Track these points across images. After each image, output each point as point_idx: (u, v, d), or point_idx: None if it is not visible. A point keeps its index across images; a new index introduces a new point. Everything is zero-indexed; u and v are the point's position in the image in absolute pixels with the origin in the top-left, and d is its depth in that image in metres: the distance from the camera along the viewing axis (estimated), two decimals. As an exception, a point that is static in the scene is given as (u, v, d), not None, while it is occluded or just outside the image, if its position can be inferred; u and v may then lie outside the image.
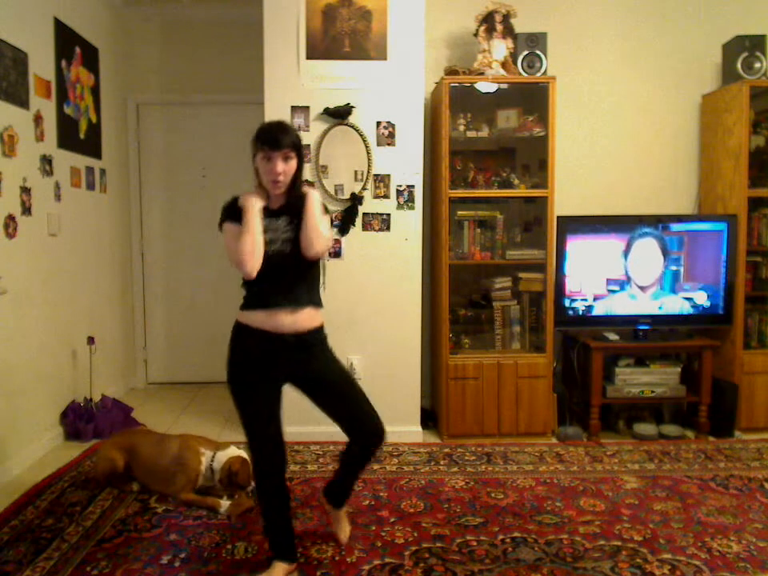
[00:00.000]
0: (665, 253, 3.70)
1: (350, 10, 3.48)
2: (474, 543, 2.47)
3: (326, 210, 2.32)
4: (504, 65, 3.63)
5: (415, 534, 2.54)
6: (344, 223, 3.55)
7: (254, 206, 2.13)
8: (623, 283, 3.71)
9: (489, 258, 3.72)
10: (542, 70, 3.62)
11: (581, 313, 3.72)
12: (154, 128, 4.79)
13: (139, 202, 4.82)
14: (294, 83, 3.51)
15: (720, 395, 3.70)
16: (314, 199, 2.20)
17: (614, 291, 3.72)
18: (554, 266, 3.67)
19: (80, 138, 3.93)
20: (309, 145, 3.48)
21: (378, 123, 3.54)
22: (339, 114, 3.50)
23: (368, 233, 3.57)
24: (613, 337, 3.74)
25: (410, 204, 3.58)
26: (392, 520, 2.66)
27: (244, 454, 2.81)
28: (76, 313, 3.88)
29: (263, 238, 2.14)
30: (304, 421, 3.51)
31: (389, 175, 3.56)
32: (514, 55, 3.64)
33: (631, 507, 2.78)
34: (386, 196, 3.57)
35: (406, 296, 3.60)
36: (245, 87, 4.36)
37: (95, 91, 4.16)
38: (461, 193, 3.66)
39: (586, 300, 3.71)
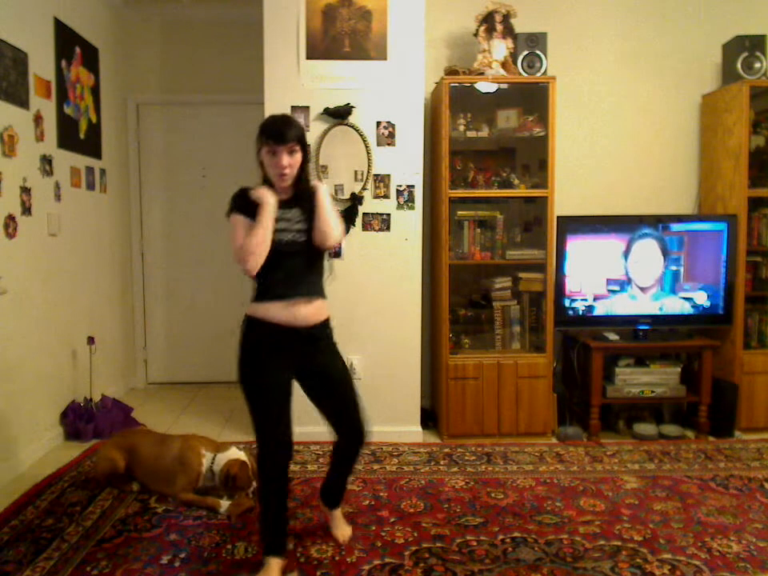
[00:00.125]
0: (665, 254, 3.70)
1: (350, 10, 3.48)
2: (474, 543, 2.47)
3: None
4: (504, 65, 3.63)
5: (415, 534, 2.54)
6: (344, 223, 3.55)
7: (270, 203, 2.13)
8: (623, 283, 3.71)
9: (489, 258, 3.72)
10: (542, 70, 3.62)
11: (581, 313, 3.72)
12: (154, 128, 4.79)
13: (139, 202, 4.82)
14: (294, 83, 3.51)
15: (720, 395, 3.70)
16: (324, 192, 2.23)
17: (614, 291, 3.72)
18: (553, 266, 3.67)
19: (80, 138, 3.93)
20: (309, 145, 3.47)
21: (378, 123, 3.54)
22: (339, 114, 3.50)
23: (368, 233, 3.57)
24: (613, 337, 3.74)
25: (409, 204, 3.58)
26: (392, 520, 2.66)
27: (244, 456, 2.81)
28: (76, 313, 3.88)
29: (275, 227, 2.14)
30: (304, 421, 3.51)
31: (389, 175, 3.56)
32: (513, 55, 3.64)
33: (631, 507, 2.78)
34: (386, 196, 3.57)
35: (406, 296, 3.60)
36: (245, 87, 4.36)
37: (95, 91, 4.16)
38: (461, 193, 3.66)
39: (586, 300, 3.71)
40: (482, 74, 3.60)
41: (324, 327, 2.31)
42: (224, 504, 2.75)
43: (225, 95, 4.66)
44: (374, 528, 2.59)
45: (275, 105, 3.49)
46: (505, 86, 3.65)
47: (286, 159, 2.14)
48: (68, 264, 3.77)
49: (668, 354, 3.79)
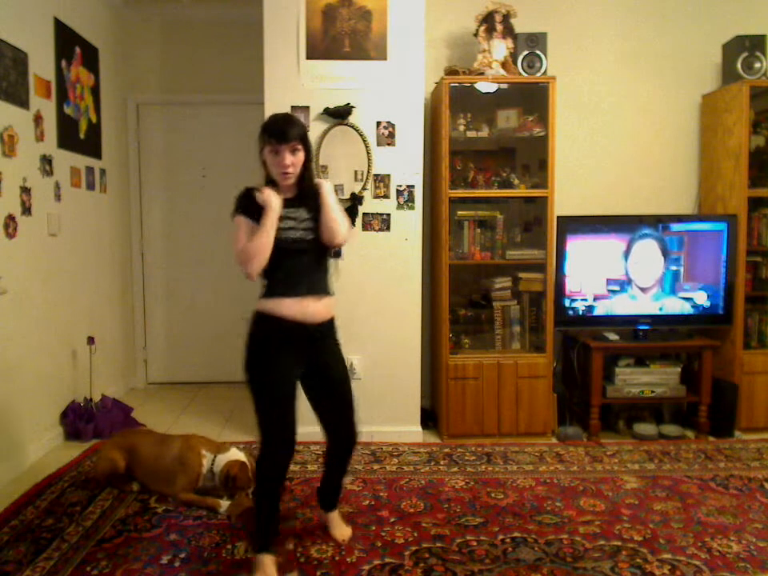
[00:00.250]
0: (665, 254, 3.70)
1: (350, 10, 3.48)
2: (474, 543, 2.47)
3: None
4: (504, 65, 3.63)
5: (415, 534, 2.54)
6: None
7: (274, 208, 2.14)
8: (623, 283, 3.71)
9: (489, 258, 3.72)
10: (542, 70, 3.62)
11: (581, 313, 3.72)
12: (154, 128, 4.79)
13: (139, 202, 4.82)
14: (294, 83, 3.51)
15: (720, 395, 3.70)
16: (329, 189, 2.25)
17: (614, 291, 3.72)
18: (553, 266, 3.67)
19: (80, 138, 3.93)
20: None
21: (378, 123, 3.54)
22: (339, 114, 3.50)
23: (368, 233, 3.56)
24: (613, 337, 3.74)
25: (410, 204, 3.58)
26: (392, 520, 2.66)
27: (244, 456, 2.81)
28: (76, 313, 3.88)
29: (282, 225, 2.16)
30: (304, 421, 3.51)
31: (389, 175, 3.56)
32: (513, 55, 3.64)
33: (631, 507, 2.78)
34: (386, 196, 3.57)
35: (406, 296, 3.60)
36: (245, 87, 4.36)
37: (95, 91, 4.16)
38: (461, 193, 3.66)
39: (585, 300, 3.71)
40: (482, 74, 3.60)
41: (331, 326, 2.33)
42: (224, 504, 2.75)
43: (225, 95, 4.66)
44: (373, 528, 2.59)
45: (275, 105, 3.49)
46: (505, 86, 3.65)
47: (288, 158, 2.15)
48: (68, 264, 3.77)
49: (668, 353, 3.79)
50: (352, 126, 3.52)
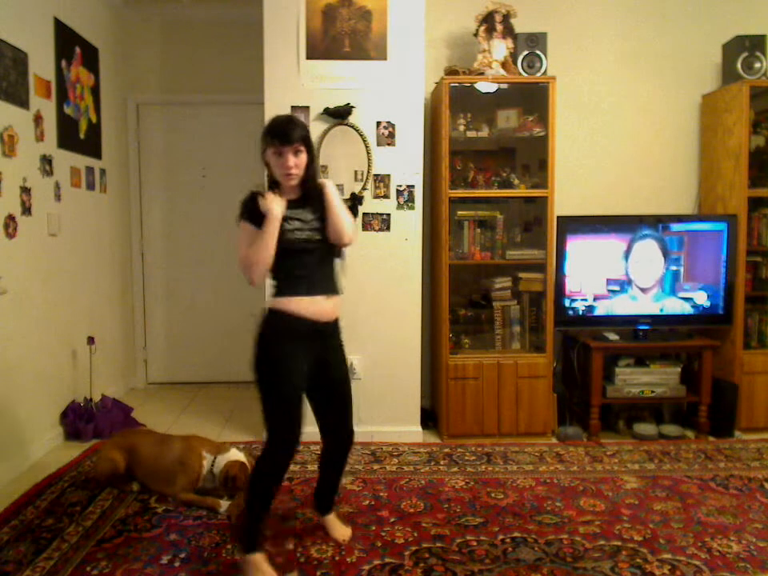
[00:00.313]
0: (665, 255, 3.70)
1: (350, 10, 3.48)
2: (474, 543, 2.47)
3: None
4: (504, 65, 3.63)
5: (415, 534, 2.54)
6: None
7: (277, 216, 2.14)
8: (623, 284, 3.71)
9: (489, 258, 3.72)
10: (542, 70, 3.62)
11: (581, 313, 3.71)
12: (154, 128, 4.79)
13: (139, 202, 4.82)
14: (294, 83, 3.51)
15: (720, 395, 3.70)
16: (333, 189, 2.26)
17: (614, 291, 3.72)
18: (553, 266, 3.67)
19: (80, 138, 3.93)
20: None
21: (378, 123, 3.54)
22: (339, 114, 3.50)
23: (368, 233, 3.56)
24: (613, 337, 3.74)
25: (410, 204, 3.58)
26: (392, 520, 2.66)
27: (243, 457, 2.81)
28: (76, 313, 3.88)
29: (289, 226, 2.18)
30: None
31: (389, 175, 3.56)
32: (514, 55, 3.64)
33: (631, 507, 2.78)
34: (386, 196, 3.57)
35: (406, 296, 3.60)
36: (245, 87, 4.37)
37: (95, 91, 4.16)
38: (461, 193, 3.66)
39: (586, 300, 3.71)
40: (482, 74, 3.60)
41: (337, 326, 2.35)
42: (224, 504, 2.75)
43: (225, 95, 4.66)
44: (373, 528, 2.59)
45: (275, 105, 3.49)
46: (505, 86, 3.65)
47: (291, 159, 2.16)
48: (68, 264, 3.77)
49: (668, 354, 3.79)
50: (352, 126, 3.52)
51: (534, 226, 3.84)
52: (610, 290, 3.72)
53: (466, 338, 3.78)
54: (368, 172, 3.54)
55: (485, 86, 3.63)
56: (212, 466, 2.81)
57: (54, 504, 2.79)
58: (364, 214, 3.56)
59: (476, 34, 3.68)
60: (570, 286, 3.69)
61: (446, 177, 3.58)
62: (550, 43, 3.65)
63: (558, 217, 3.62)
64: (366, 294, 3.58)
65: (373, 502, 2.83)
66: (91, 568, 2.30)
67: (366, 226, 3.56)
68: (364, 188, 3.55)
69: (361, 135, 3.52)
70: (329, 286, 2.28)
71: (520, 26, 3.65)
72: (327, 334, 2.30)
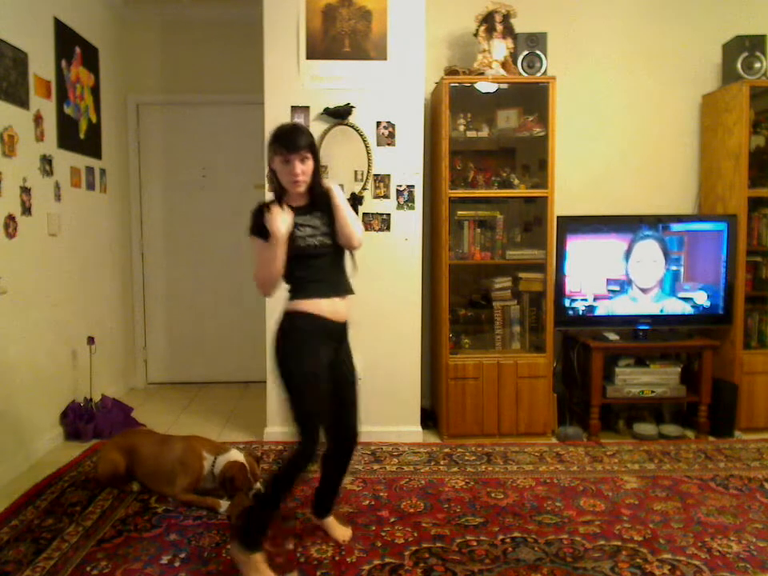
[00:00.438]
0: (666, 255, 3.70)
1: (350, 10, 3.48)
2: (474, 543, 2.47)
3: None
4: (504, 65, 3.63)
5: (415, 534, 2.54)
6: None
7: (283, 237, 2.17)
8: (623, 284, 3.71)
9: (489, 258, 3.72)
10: (542, 70, 3.62)
11: (581, 313, 3.72)
12: (154, 128, 4.79)
13: (139, 202, 4.82)
14: (294, 83, 3.51)
15: (720, 395, 3.70)
16: (340, 194, 2.31)
17: (614, 291, 3.72)
18: (553, 266, 3.67)
19: (80, 138, 3.93)
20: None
21: (378, 123, 3.54)
22: (339, 114, 3.49)
23: (368, 233, 3.56)
24: (613, 337, 3.74)
25: (409, 204, 3.58)
26: (392, 520, 2.66)
27: (242, 457, 2.81)
28: (76, 313, 3.88)
29: (301, 233, 2.22)
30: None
31: (389, 175, 3.56)
32: (514, 55, 3.64)
33: (631, 507, 2.78)
34: (386, 196, 3.57)
35: (406, 296, 3.60)
36: (245, 87, 4.37)
37: (95, 91, 4.16)
38: (461, 193, 3.66)
39: (586, 300, 3.71)
40: (482, 74, 3.60)
41: (347, 327, 2.39)
42: (224, 504, 2.75)
43: (225, 95, 4.66)
44: (374, 528, 2.59)
45: (275, 105, 3.49)
46: (505, 85, 3.65)
47: (299, 167, 2.20)
48: (68, 264, 3.77)
49: (668, 354, 3.79)
50: (352, 126, 3.51)
51: (533, 225, 3.84)
52: (610, 290, 3.72)
53: (466, 338, 3.78)
54: (368, 172, 3.54)
55: (485, 86, 3.63)
56: (212, 466, 2.81)
57: (53, 504, 2.79)
58: (364, 214, 3.56)
59: (476, 34, 3.68)
60: (570, 285, 3.69)
61: (446, 177, 3.58)
62: (549, 43, 3.65)
63: (558, 217, 3.62)
64: (366, 293, 3.56)
65: (373, 502, 2.83)
66: (91, 568, 2.30)
67: (366, 226, 3.56)
68: (364, 188, 3.55)
69: (361, 135, 3.52)
70: (343, 287, 2.34)
71: (520, 26, 3.65)
72: (342, 334, 2.36)
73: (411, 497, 2.89)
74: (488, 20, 3.62)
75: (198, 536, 2.54)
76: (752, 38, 3.70)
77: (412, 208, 3.58)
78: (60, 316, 3.67)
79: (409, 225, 3.58)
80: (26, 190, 3.27)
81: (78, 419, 3.66)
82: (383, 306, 3.59)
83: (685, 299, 3.74)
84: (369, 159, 3.52)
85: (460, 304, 3.83)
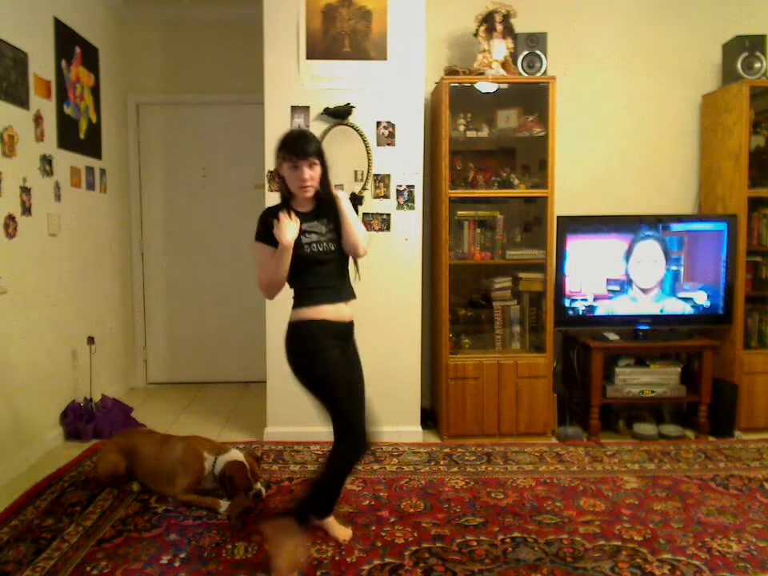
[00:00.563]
0: (666, 255, 3.70)
1: (350, 10, 3.48)
2: (474, 543, 2.47)
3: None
4: (504, 65, 3.63)
5: (415, 534, 2.54)
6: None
7: (289, 246, 2.23)
8: (623, 284, 3.71)
9: (489, 258, 3.72)
10: (542, 70, 3.62)
11: (581, 313, 3.71)
12: (154, 128, 4.79)
13: (139, 202, 4.82)
14: (294, 83, 3.51)
15: (720, 395, 3.70)
16: (346, 202, 2.37)
17: (614, 291, 3.72)
18: (554, 266, 3.67)
19: (80, 138, 3.93)
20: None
21: (378, 123, 3.54)
22: (339, 114, 3.49)
23: (368, 233, 3.54)
24: (613, 337, 3.74)
25: (409, 204, 3.58)
26: (392, 520, 2.66)
27: (242, 457, 2.80)
28: (76, 313, 3.88)
29: (307, 239, 2.29)
30: (304, 421, 3.52)
31: (389, 175, 3.56)
32: (514, 55, 3.64)
33: (631, 507, 2.78)
34: (386, 196, 3.57)
35: (406, 296, 3.60)
36: (245, 87, 4.37)
37: (95, 91, 4.16)
38: (461, 193, 3.66)
39: (586, 300, 3.71)
40: (482, 74, 3.60)
41: (353, 325, 2.47)
42: (224, 504, 2.74)
43: (225, 95, 4.66)
44: (373, 528, 2.58)
45: (275, 105, 3.49)
46: (505, 85, 3.65)
47: (307, 172, 2.25)
48: (68, 264, 3.77)
49: (668, 354, 3.79)
50: (352, 126, 3.51)
51: (534, 225, 3.84)
52: (610, 290, 3.72)
53: (466, 338, 3.78)
54: (368, 172, 3.54)
55: (485, 86, 3.63)
56: (212, 466, 2.81)
57: (54, 504, 2.79)
58: (364, 214, 3.56)
59: (476, 34, 3.68)
60: (570, 286, 3.69)
61: (446, 177, 3.58)
62: (549, 43, 3.65)
63: (558, 217, 3.62)
64: (366, 294, 3.55)
65: (373, 502, 2.83)
66: (91, 568, 2.30)
67: (366, 226, 3.55)
68: (364, 188, 3.55)
69: (361, 135, 3.52)
70: (347, 293, 2.42)
71: (520, 26, 3.65)
72: (348, 333, 2.43)
73: (411, 497, 2.89)
74: (488, 20, 3.62)
75: (197, 536, 2.54)
76: (752, 38, 3.70)
77: (412, 208, 3.58)
78: (60, 316, 3.67)
79: (409, 225, 3.58)
80: (25, 190, 3.27)
81: (78, 419, 3.66)
82: (383, 306, 3.59)
83: (685, 299, 3.74)
84: (369, 159, 3.52)
85: (460, 304, 3.83)
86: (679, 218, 3.82)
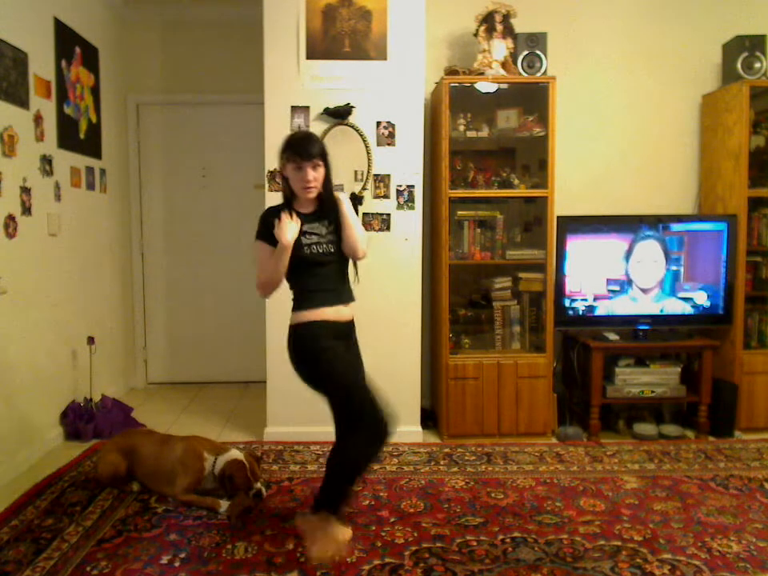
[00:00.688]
0: (666, 255, 3.70)
1: (350, 10, 3.48)
2: (474, 543, 2.47)
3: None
4: (504, 65, 3.63)
5: (415, 534, 2.54)
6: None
7: (288, 246, 2.26)
8: (624, 284, 3.71)
9: (489, 258, 3.72)
10: (542, 70, 3.62)
11: (581, 313, 3.71)
12: (154, 128, 4.79)
13: (139, 201, 4.82)
14: (294, 83, 3.51)
15: (720, 395, 3.70)
16: (348, 204, 2.40)
17: (614, 291, 3.72)
18: (553, 266, 3.67)
19: (80, 138, 3.93)
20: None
21: (378, 123, 3.54)
22: (339, 114, 3.49)
23: (368, 233, 3.54)
24: (613, 337, 3.74)
25: (409, 204, 3.58)
26: (392, 520, 2.66)
27: (241, 456, 2.80)
28: (76, 313, 3.88)
29: (307, 240, 2.32)
30: (304, 421, 3.52)
31: (389, 175, 3.56)
32: (514, 55, 3.64)
33: (631, 507, 2.78)
34: (386, 196, 3.57)
35: (406, 296, 3.60)
36: (245, 87, 4.37)
37: (95, 91, 4.16)
38: (461, 193, 3.66)
39: (586, 300, 3.71)
40: (482, 74, 3.60)
41: (353, 323, 2.50)
42: (224, 504, 2.74)
43: (225, 95, 4.66)
44: (374, 528, 2.58)
45: (275, 105, 3.49)
46: (505, 85, 3.65)
47: (311, 173, 2.29)
48: (68, 264, 3.77)
49: (668, 354, 3.79)
50: (352, 126, 3.51)
51: (534, 225, 3.84)
52: (610, 290, 3.72)
53: (466, 338, 3.78)
54: (368, 172, 3.54)
55: (485, 86, 3.63)
56: (213, 466, 2.81)
57: (54, 504, 2.79)
58: (364, 214, 3.56)
59: (476, 34, 3.68)
60: (570, 286, 3.69)
61: (446, 177, 3.58)
62: (549, 43, 3.65)
63: (557, 217, 3.62)
64: (366, 294, 3.55)
65: (373, 502, 2.83)
66: (91, 568, 2.30)
67: (366, 226, 3.56)
68: (364, 188, 3.55)
69: (361, 135, 3.52)
70: (347, 296, 2.45)
71: (520, 26, 3.65)
72: (348, 331, 2.47)
73: (411, 497, 2.89)
74: (488, 20, 3.62)
75: (197, 536, 2.54)
76: (752, 38, 3.70)
77: (412, 208, 3.58)
78: (60, 316, 3.67)
79: (409, 225, 3.58)
80: (25, 190, 3.27)
81: (78, 419, 3.66)
82: (383, 305, 3.58)
83: (685, 299, 3.74)
84: (369, 159, 3.52)
85: (460, 304, 3.83)
86: (679, 218, 3.82)
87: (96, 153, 4.17)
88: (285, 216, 2.29)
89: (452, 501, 2.85)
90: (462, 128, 3.69)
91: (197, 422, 3.99)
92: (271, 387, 3.63)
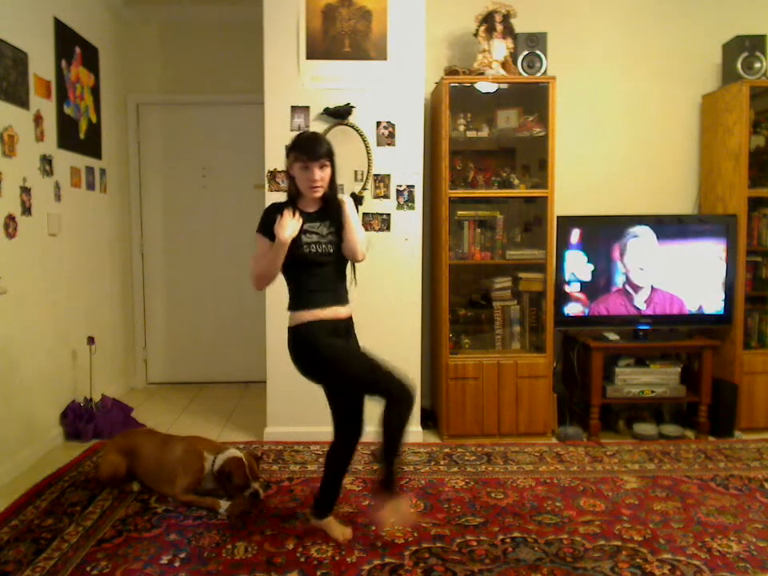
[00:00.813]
0: (666, 255, 3.69)
1: (350, 10, 3.48)
2: (474, 543, 2.47)
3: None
4: (504, 65, 3.63)
5: (415, 534, 2.54)
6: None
7: (285, 242, 2.28)
8: (623, 283, 3.71)
9: (489, 258, 3.72)
10: (542, 70, 3.62)
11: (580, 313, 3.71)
12: (154, 128, 4.79)
13: (139, 201, 4.82)
14: (294, 83, 3.51)
15: (720, 395, 3.70)
16: (351, 207, 2.42)
17: (614, 291, 3.71)
18: (553, 266, 3.67)
19: (80, 138, 3.93)
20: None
21: (378, 123, 3.54)
22: (339, 114, 3.49)
23: (368, 233, 3.55)
24: (613, 337, 3.74)
25: (409, 204, 3.58)
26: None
27: (240, 454, 2.80)
28: (76, 313, 3.88)
29: (307, 239, 2.34)
30: (304, 421, 3.52)
31: (389, 175, 3.56)
32: (514, 55, 3.64)
33: (631, 507, 2.78)
34: (386, 196, 3.57)
35: (406, 296, 3.60)
36: (245, 87, 4.37)
37: (95, 91, 4.16)
38: (461, 193, 3.66)
39: (585, 300, 3.71)
40: (482, 74, 3.60)
41: (351, 320, 2.51)
42: (224, 504, 2.74)
43: (225, 95, 4.66)
44: (373, 528, 2.58)
45: (275, 105, 3.49)
46: (505, 85, 3.65)
47: (317, 173, 2.32)
48: (68, 264, 3.77)
49: (668, 354, 3.79)
50: (352, 126, 3.51)
51: (534, 225, 3.84)
52: (609, 290, 3.71)
53: (466, 338, 3.78)
54: (368, 172, 3.54)
55: (485, 86, 3.63)
56: (212, 466, 2.81)
57: (54, 504, 2.79)
58: (364, 214, 3.56)
59: (476, 34, 3.68)
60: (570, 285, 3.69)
61: (446, 177, 3.58)
62: (549, 43, 3.65)
63: (558, 217, 3.62)
64: (366, 294, 3.56)
65: (373, 502, 2.83)
66: (91, 568, 2.30)
67: (366, 226, 3.56)
68: (364, 188, 3.55)
69: (361, 135, 3.52)
70: (343, 297, 2.46)
71: (520, 26, 3.65)
72: (347, 329, 2.48)
73: (411, 497, 2.88)
74: (488, 20, 3.62)
75: (197, 536, 2.54)
76: (752, 38, 3.70)
77: (412, 208, 3.58)
78: (60, 316, 3.67)
79: (409, 225, 3.58)
80: (25, 190, 3.27)
81: (78, 419, 3.66)
82: (383, 305, 3.58)
83: (685, 299, 3.73)
84: (369, 159, 3.52)
85: (460, 304, 3.83)
86: (679, 218, 3.82)
87: (96, 153, 4.17)
88: (287, 213, 2.32)
89: (452, 501, 2.85)
90: (461, 128, 3.69)
91: (197, 422, 3.99)
92: (271, 387, 3.63)
